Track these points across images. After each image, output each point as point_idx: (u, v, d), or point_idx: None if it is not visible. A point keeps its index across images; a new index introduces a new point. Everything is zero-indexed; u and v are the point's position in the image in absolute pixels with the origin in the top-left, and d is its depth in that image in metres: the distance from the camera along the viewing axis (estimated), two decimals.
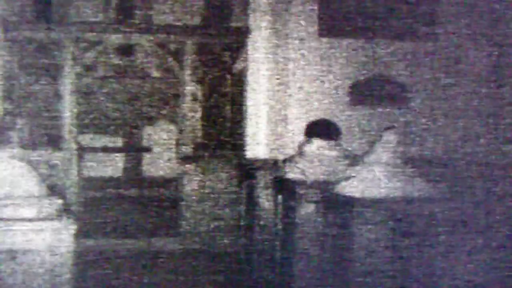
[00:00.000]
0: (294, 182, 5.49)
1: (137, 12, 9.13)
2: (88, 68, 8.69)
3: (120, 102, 10.29)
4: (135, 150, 10.62)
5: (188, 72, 8.23)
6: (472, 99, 8.08)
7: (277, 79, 7.78)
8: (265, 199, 6.53)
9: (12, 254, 3.75)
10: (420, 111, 8.03)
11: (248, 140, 7.93)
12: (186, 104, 8.26)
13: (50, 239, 3.78)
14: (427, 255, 4.25)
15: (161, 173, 10.51)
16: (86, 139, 9.96)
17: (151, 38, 8.19)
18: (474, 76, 8.08)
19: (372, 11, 7.92)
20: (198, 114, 8.33)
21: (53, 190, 4.26)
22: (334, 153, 5.72)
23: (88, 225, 7.67)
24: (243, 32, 8.03)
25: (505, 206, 4.41)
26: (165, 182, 10.05)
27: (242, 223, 7.41)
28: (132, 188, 10.04)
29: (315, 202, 5.14)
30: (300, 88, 7.79)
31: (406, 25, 7.99)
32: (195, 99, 8.30)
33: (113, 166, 10.48)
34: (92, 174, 10.10)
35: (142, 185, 10.10)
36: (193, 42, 8.23)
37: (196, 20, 8.92)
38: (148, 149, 10.60)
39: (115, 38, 8.19)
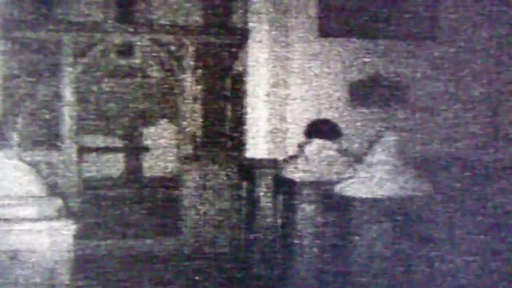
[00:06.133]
0: (294, 182, 5.50)
1: (137, 12, 9.13)
2: (88, 68, 8.68)
3: (120, 102, 10.29)
4: (135, 150, 10.62)
5: (188, 72, 8.23)
6: (472, 99, 8.09)
7: (277, 79, 7.77)
8: (265, 199, 6.53)
9: (12, 254, 3.75)
10: (420, 111, 8.03)
11: (248, 140, 7.93)
12: (186, 104, 8.26)
13: (50, 239, 3.78)
14: (427, 255, 4.25)
15: (161, 173, 10.50)
16: (86, 139, 9.96)
17: (151, 38, 8.20)
18: (474, 75, 8.08)
19: (372, 11, 7.92)
20: (198, 114, 8.33)
21: (53, 190, 4.26)
22: (334, 153, 5.72)
23: (88, 225, 7.66)
24: (243, 32, 8.03)
25: (505, 206, 4.41)
26: (165, 182, 10.04)
27: (242, 223, 7.41)
28: (132, 188, 10.03)
29: (315, 202, 5.14)
30: (300, 88, 7.78)
31: (406, 25, 7.99)
32: (195, 99, 8.30)
33: (113, 166, 10.47)
34: (92, 174, 10.09)
35: (142, 185, 10.08)
36: (193, 42, 8.23)
37: (196, 20, 8.91)
38: (148, 149, 10.59)
39: (115, 38, 8.19)
